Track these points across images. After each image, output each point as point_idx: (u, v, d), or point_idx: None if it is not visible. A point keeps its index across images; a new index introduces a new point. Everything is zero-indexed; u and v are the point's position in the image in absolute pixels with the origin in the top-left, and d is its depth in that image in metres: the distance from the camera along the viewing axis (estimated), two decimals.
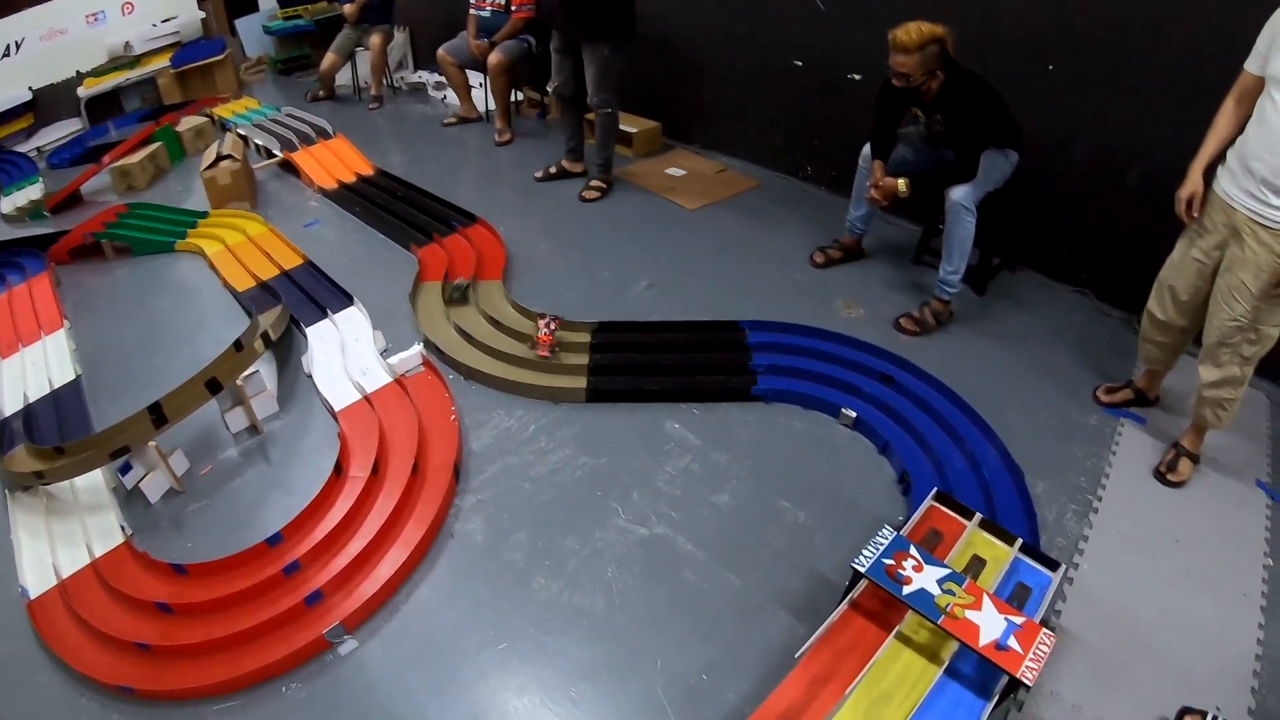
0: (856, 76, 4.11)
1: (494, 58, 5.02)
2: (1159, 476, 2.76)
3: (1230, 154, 2.42)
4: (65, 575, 2.45)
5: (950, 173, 3.23)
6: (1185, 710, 2.04)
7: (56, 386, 3.48)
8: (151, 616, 2.28)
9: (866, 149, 3.51)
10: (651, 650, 2.16)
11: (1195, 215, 2.52)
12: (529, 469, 2.69)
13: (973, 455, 2.74)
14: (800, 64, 4.37)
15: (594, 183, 4.52)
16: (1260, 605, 2.34)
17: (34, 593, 2.41)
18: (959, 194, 3.17)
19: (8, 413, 3.41)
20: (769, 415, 2.97)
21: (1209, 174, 2.50)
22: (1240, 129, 2.39)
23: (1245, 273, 2.37)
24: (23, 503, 2.85)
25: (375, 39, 5.89)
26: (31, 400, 3.44)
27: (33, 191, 5.70)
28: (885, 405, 2.94)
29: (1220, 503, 2.70)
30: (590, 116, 4.45)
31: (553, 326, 3.15)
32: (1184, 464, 2.75)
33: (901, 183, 3.26)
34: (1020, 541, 2.28)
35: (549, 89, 4.51)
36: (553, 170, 4.71)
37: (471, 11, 5.23)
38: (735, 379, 3.06)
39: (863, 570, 2.05)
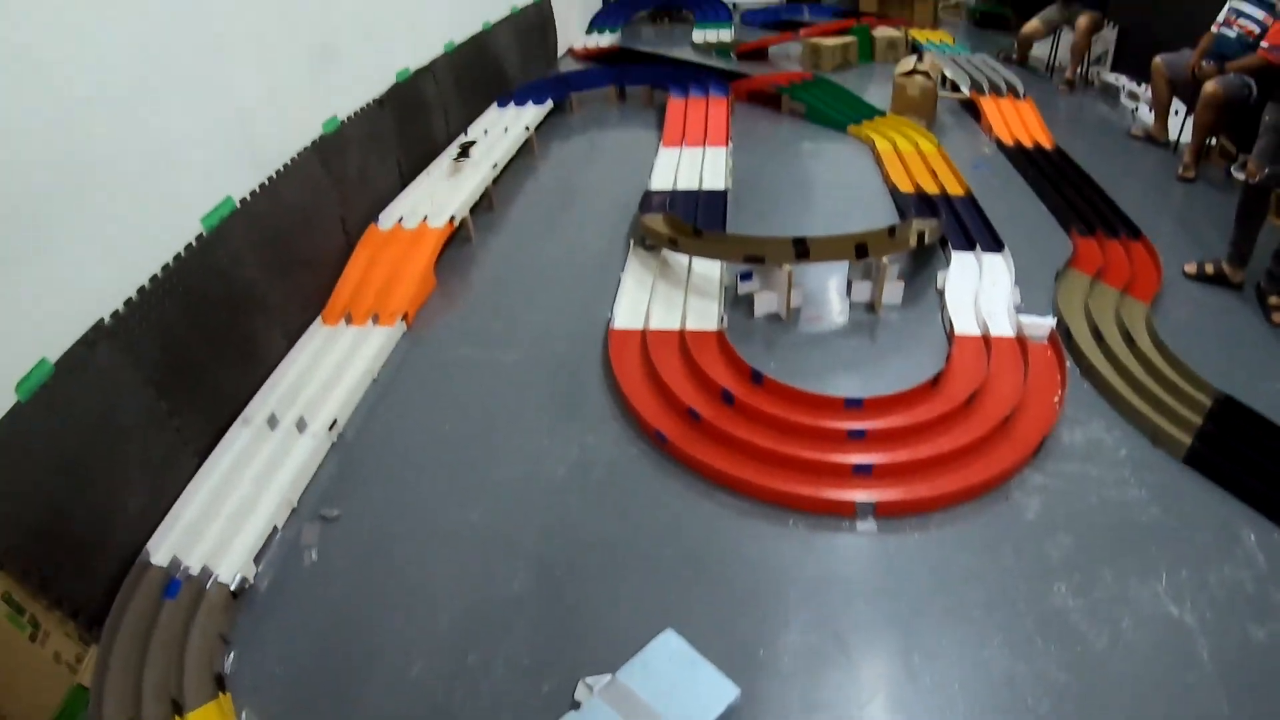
0: None
1: (1210, 87, 4.36)
2: None
3: None
4: (651, 327, 2.91)
5: None
6: None
7: (706, 188, 3.97)
8: (712, 397, 2.59)
9: None
10: None
11: None
12: (1101, 489, 2.37)
13: None
14: None
15: None
16: None
17: (618, 324, 2.98)
18: None
19: (654, 187, 3.99)
20: None
21: None
22: None
23: None
24: (640, 256, 3.39)
25: (1083, 21, 5.51)
26: (678, 189, 3.98)
27: (724, 34, 6.55)
28: None
29: None
30: None
31: None
32: None
33: None
34: None
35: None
36: (1208, 270, 3.38)
37: (1214, 29, 4.59)
38: None
39: None
